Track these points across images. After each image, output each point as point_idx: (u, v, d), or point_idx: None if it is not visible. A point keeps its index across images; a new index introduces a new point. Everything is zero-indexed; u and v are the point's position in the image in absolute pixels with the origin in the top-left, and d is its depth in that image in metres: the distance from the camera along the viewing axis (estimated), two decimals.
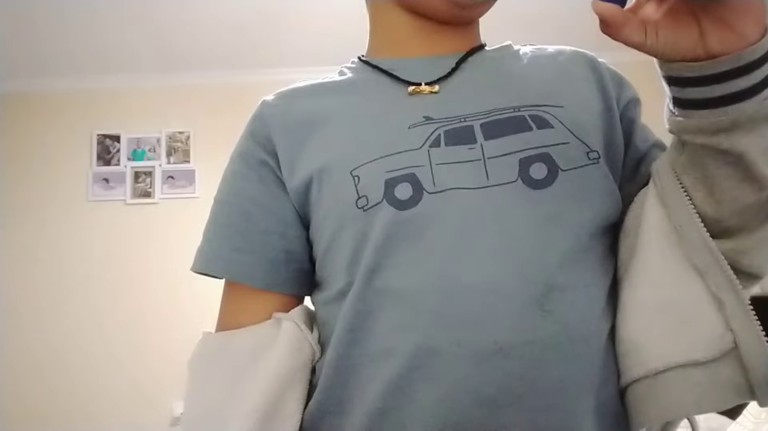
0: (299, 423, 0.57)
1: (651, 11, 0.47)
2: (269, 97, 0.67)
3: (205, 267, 0.63)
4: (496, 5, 0.66)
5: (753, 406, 2.02)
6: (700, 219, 0.51)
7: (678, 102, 0.50)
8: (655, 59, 0.50)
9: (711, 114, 0.47)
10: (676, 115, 0.51)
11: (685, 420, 0.55)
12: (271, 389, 0.56)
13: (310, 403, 0.58)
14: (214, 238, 0.64)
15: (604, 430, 0.53)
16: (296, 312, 0.62)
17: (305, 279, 0.64)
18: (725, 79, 0.46)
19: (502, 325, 0.51)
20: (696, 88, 0.47)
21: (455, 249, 0.53)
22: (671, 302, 0.52)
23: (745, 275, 0.52)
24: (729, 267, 0.50)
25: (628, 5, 0.47)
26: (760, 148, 0.47)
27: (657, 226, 0.54)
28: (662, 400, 0.50)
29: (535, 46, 0.70)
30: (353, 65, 0.70)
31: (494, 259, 0.53)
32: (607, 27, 0.46)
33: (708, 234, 0.51)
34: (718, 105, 0.47)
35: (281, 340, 0.59)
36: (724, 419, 1.86)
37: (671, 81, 0.49)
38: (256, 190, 0.63)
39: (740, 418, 1.89)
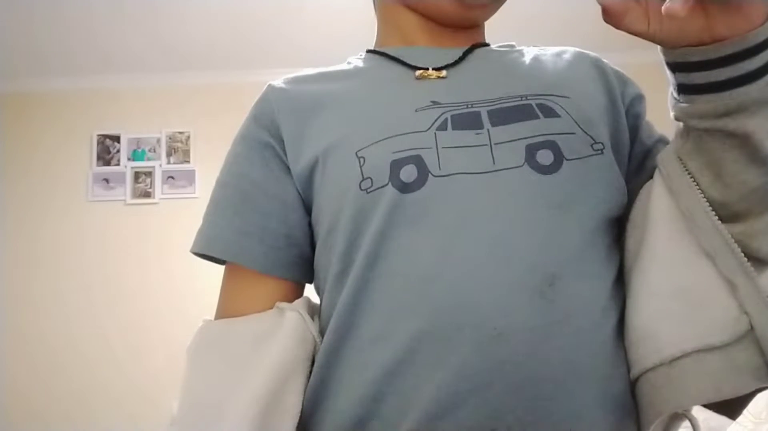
0: (299, 415, 0.57)
1: None
2: (275, 81, 0.67)
3: (204, 248, 0.62)
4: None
5: (753, 406, 2.02)
6: (708, 203, 0.51)
7: (683, 88, 0.50)
8: (658, 47, 0.50)
9: (717, 98, 0.48)
10: (682, 102, 0.51)
11: (687, 421, 0.54)
12: (274, 380, 0.55)
13: (307, 389, 0.57)
14: (214, 220, 0.63)
15: (611, 423, 0.52)
16: (300, 302, 0.62)
17: (306, 265, 0.64)
18: (731, 62, 0.46)
19: (502, 312, 0.50)
20: (702, 72, 0.48)
21: (458, 234, 0.53)
22: (684, 288, 0.52)
23: (755, 260, 0.51)
24: (739, 249, 0.50)
25: None
26: (766, 129, 0.48)
27: (665, 214, 0.54)
28: (680, 387, 0.49)
29: (538, 47, 0.71)
30: (361, 56, 0.70)
31: (497, 245, 0.52)
32: (609, 16, 0.47)
33: (717, 217, 0.51)
34: (724, 88, 0.47)
35: (284, 330, 0.58)
36: (724, 419, 1.85)
37: (676, 67, 0.50)
38: (259, 173, 0.62)
39: (740, 418, 1.89)
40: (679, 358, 0.50)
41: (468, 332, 0.50)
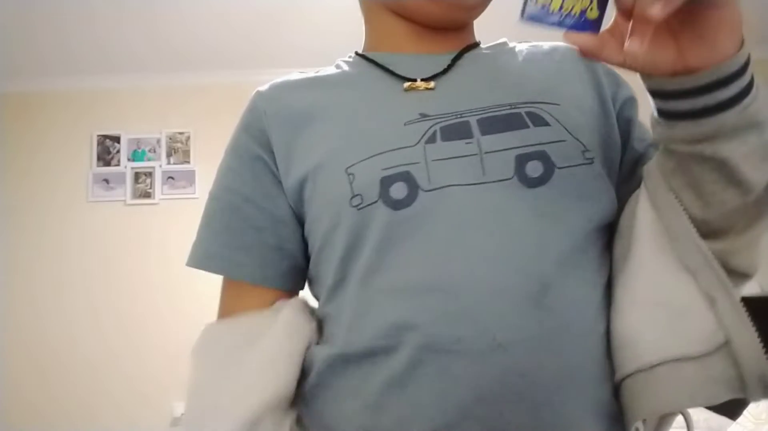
0: (295, 410, 0.58)
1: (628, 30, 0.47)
2: (263, 88, 0.67)
3: (199, 263, 0.64)
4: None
5: (753, 407, 2.02)
6: (690, 221, 0.52)
7: (662, 113, 0.51)
8: (638, 74, 0.50)
9: (694, 124, 0.48)
10: (662, 125, 0.51)
11: (680, 418, 0.55)
12: (267, 373, 0.57)
13: (307, 398, 0.58)
14: (207, 235, 0.64)
15: (601, 427, 0.53)
16: (295, 299, 0.63)
17: (300, 275, 0.65)
18: (705, 92, 0.47)
19: (500, 322, 0.51)
20: (678, 100, 0.48)
21: (453, 246, 0.53)
22: (665, 299, 0.52)
23: (735, 274, 0.53)
24: (720, 266, 0.51)
25: (605, 26, 0.47)
26: (741, 153, 0.48)
27: (649, 227, 0.54)
28: (656, 394, 0.50)
29: (530, 43, 0.70)
30: (350, 59, 0.70)
31: (492, 256, 0.53)
32: (586, 53, 0.47)
33: (698, 235, 0.52)
34: (701, 116, 0.47)
35: (277, 326, 0.59)
36: (724, 419, 1.86)
37: (654, 94, 0.50)
38: (249, 187, 0.63)
39: (740, 418, 1.89)
40: (656, 365, 0.51)
41: (468, 343, 0.51)
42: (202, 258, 0.64)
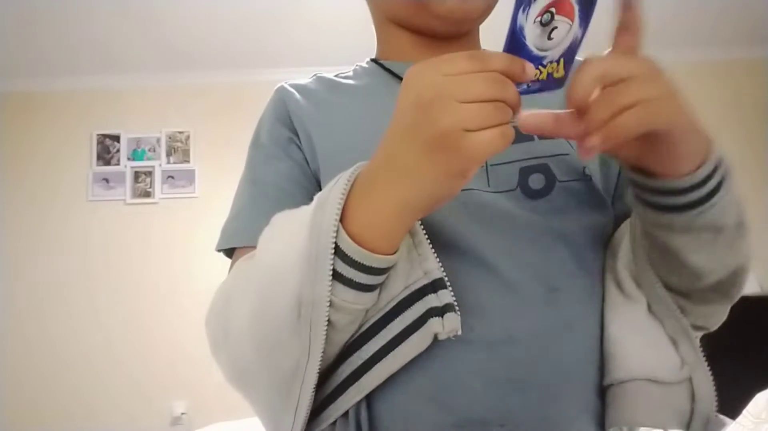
0: None
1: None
2: (286, 85, 0.68)
3: (253, 240, 0.57)
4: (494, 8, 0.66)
5: (753, 406, 2.01)
6: (656, 277, 0.54)
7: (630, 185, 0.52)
8: None
9: (650, 212, 0.50)
10: (630, 195, 0.53)
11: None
12: None
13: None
14: (256, 215, 0.60)
15: (592, 427, 0.55)
16: None
17: None
18: (659, 194, 0.48)
19: (511, 317, 0.53)
20: (637, 188, 0.50)
21: (462, 246, 0.55)
22: (641, 329, 0.55)
23: (694, 326, 0.56)
24: (683, 316, 0.54)
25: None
26: (692, 247, 0.50)
27: (627, 266, 0.57)
28: (619, 409, 0.53)
29: None
30: (366, 66, 0.71)
31: (501, 254, 0.55)
32: (541, 134, 0.48)
33: (664, 290, 0.54)
34: (654, 208, 0.49)
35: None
36: (725, 419, 1.85)
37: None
38: (290, 169, 0.63)
39: (740, 418, 1.89)
40: (625, 382, 0.53)
41: (479, 333, 0.52)
42: (255, 235, 0.56)
